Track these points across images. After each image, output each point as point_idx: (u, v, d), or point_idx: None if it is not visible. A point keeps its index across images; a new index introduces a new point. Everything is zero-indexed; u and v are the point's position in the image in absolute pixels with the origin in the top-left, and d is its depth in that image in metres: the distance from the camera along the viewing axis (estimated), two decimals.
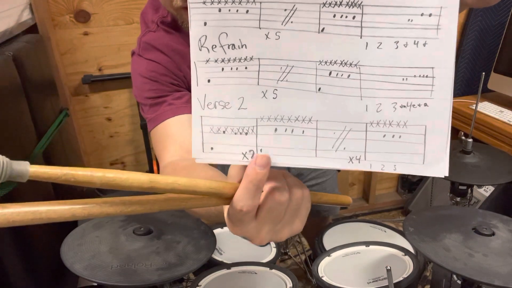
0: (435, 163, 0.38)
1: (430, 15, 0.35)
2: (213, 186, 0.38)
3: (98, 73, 1.76)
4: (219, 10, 0.37)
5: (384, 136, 0.38)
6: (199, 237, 0.95)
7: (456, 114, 1.95)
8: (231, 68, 0.38)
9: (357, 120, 0.38)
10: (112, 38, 1.72)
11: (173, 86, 0.84)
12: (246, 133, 0.39)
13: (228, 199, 0.39)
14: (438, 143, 0.38)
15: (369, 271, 1.05)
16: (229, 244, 1.26)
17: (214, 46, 0.38)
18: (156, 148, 0.82)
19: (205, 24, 0.37)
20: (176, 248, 0.90)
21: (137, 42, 0.88)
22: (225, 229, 1.34)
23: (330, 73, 0.37)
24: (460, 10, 0.66)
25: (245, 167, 0.39)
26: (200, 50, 0.38)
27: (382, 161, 0.39)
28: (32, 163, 0.32)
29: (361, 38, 0.36)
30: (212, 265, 1.11)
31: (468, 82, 2.14)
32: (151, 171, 1.90)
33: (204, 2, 0.36)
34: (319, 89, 0.38)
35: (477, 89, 1.22)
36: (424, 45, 0.36)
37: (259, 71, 0.38)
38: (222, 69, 0.38)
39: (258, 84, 0.38)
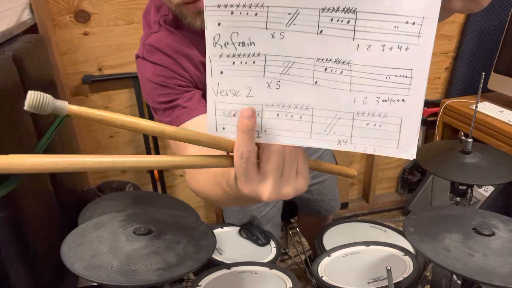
0: (407, 148, 0.45)
1: (413, 23, 0.40)
2: (214, 137, 0.46)
3: (98, 73, 1.76)
4: (232, 13, 0.42)
5: (368, 124, 0.45)
6: (199, 237, 0.95)
7: (456, 114, 1.95)
8: (241, 62, 0.44)
9: (346, 110, 0.45)
10: (112, 38, 1.72)
11: (181, 88, 0.84)
12: None
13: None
14: (410, 132, 0.44)
15: (369, 271, 1.05)
16: (229, 244, 1.26)
17: (226, 43, 0.43)
18: (177, 151, 0.83)
19: (219, 24, 0.42)
20: (176, 248, 0.90)
21: (141, 44, 0.88)
22: (225, 229, 1.34)
23: (325, 69, 0.43)
24: (447, 16, 0.66)
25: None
26: (215, 46, 0.43)
27: (365, 144, 0.46)
28: None
29: (353, 40, 0.42)
30: (212, 265, 1.11)
31: (468, 82, 2.14)
32: (151, 171, 1.90)
33: (218, 6, 0.42)
34: (316, 82, 0.44)
35: (477, 89, 1.22)
36: (406, 49, 0.41)
37: (265, 65, 0.44)
38: (233, 62, 0.44)
39: (264, 76, 0.45)
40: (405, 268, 1.03)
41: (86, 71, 1.74)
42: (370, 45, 0.42)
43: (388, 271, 0.92)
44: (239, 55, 0.44)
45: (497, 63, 1.87)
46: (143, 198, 1.36)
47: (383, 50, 0.42)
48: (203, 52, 0.45)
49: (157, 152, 1.88)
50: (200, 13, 0.76)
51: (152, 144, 1.86)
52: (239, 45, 0.43)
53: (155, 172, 1.90)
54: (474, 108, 1.30)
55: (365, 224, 1.33)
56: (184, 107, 0.82)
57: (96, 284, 0.81)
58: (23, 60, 1.27)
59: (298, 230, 1.83)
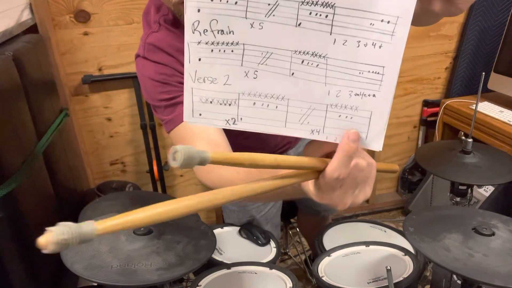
0: (374, 140, 0.48)
1: (388, 22, 0.42)
2: (313, 162, 0.46)
3: (98, 73, 1.76)
4: (211, 0, 0.41)
5: (340, 116, 0.47)
6: (199, 237, 0.95)
7: (456, 114, 1.95)
8: (219, 50, 0.44)
9: (320, 101, 0.46)
10: (112, 38, 1.72)
11: (182, 85, 0.84)
12: (230, 104, 0.46)
13: (317, 172, 0.47)
14: (379, 125, 0.47)
15: (369, 271, 1.05)
16: (229, 244, 1.26)
17: (205, 30, 0.43)
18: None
19: (198, 10, 0.42)
20: (176, 248, 0.90)
21: (141, 44, 0.88)
22: (225, 229, 1.34)
23: (302, 62, 0.44)
24: (433, 19, 0.66)
25: (320, 145, 0.48)
26: (193, 33, 0.43)
27: (336, 135, 0.47)
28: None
29: (330, 34, 0.43)
30: (212, 265, 1.11)
31: (468, 82, 2.14)
32: (151, 171, 1.90)
33: None
34: (292, 73, 0.45)
35: (477, 89, 1.22)
36: (380, 47, 0.43)
37: (243, 54, 0.44)
38: (212, 50, 0.44)
39: (241, 66, 0.45)
40: (405, 268, 1.03)
41: (86, 71, 1.74)
42: (346, 40, 0.43)
43: (388, 271, 0.92)
44: (217, 43, 0.43)
45: (497, 63, 1.87)
46: (143, 198, 1.36)
47: (358, 46, 0.43)
48: None
49: (156, 151, 1.88)
50: None
51: (152, 143, 1.86)
52: (218, 33, 0.43)
53: (155, 172, 1.90)
54: (474, 108, 1.30)
55: (365, 224, 1.33)
56: None
57: (96, 284, 0.81)
58: (23, 60, 1.27)
59: (298, 230, 1.83)
